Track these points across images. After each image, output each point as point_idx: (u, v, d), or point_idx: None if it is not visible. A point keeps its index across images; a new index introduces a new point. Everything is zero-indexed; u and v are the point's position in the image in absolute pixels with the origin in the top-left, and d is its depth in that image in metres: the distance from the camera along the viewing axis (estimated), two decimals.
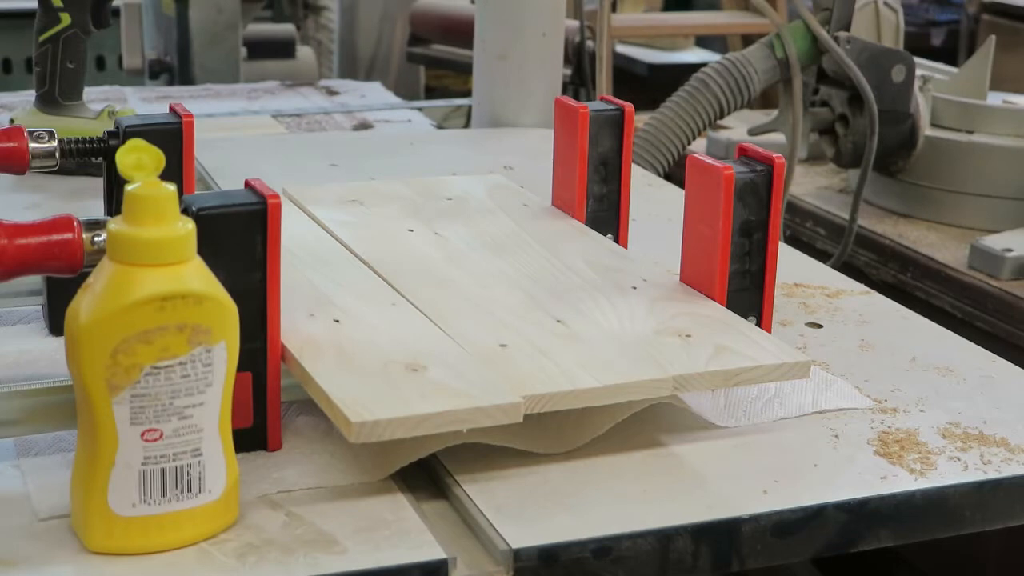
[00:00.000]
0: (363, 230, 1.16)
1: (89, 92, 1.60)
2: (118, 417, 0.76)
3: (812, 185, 2.09)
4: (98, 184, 1.13)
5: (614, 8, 3.22)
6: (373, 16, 3.55)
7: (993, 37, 2.04)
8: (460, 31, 2.74)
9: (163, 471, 0.78)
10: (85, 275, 0.79)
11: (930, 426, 0.99)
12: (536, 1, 1.83)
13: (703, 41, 3.76)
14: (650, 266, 1.11)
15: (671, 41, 3.65)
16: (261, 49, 2.96)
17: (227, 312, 0.78)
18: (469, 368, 0.89)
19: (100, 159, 1.11)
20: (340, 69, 3.53)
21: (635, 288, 1.06)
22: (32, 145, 1.08)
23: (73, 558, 0.78)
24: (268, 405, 0.89)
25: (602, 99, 1.21)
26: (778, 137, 1.85)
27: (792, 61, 1.78)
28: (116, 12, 2.84)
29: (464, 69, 2.71)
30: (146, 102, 2.17)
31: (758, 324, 1.05)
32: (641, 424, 0.95)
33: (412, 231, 1.17)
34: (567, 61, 2.06)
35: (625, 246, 1.21)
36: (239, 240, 0.86)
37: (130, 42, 2.89)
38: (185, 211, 0.83)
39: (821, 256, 1.67)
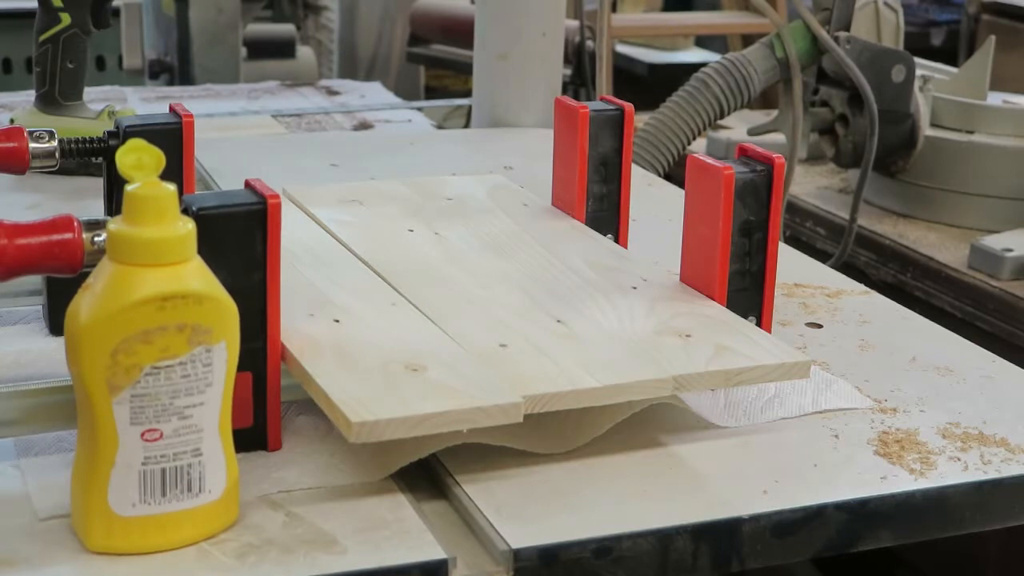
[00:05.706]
0: (363, 230, 1.16)
1: (89, 92, 1.60)
2: (118, 417, 0.76)
3: (812, 185, 2.09)
4: (98, 184, 1.13)
5: (614, 8, 3.22)
6: (373, 16, 3.55)
7: (993, 37, 2.04)
8: (460, 31, 2.74)
9: (163, 471, 0.78)
10: (85, 275, 0.79)
11: (930, 426, 0.99)
12: (536, 1, 1.83)
13: (703, 41, 3.76)
14: (650, 266, 1.11)
15: (671, 41, 3.65)
16: (261, 49, 2.96)
17: (227, 312, 0.78)
18: (469, 368, 0.89)
19: (100, 159, 1.11)
20: (340, 69, 3.53)
21: (635, 288, 1.06)
22: (32, 145, 1.08)
23: (73, 558, 0.78)
24: (268, 405, 0.89)
25: (602, 99, 1.21)
26: (778, 137, 1.85)
27: (792, 61, 1.78)
28: (116, 12, 2.84)
29: (464, 69, 2.71)
30: (146, 102, 2.17)
31: (758, 324, 1.05)
32: (641, 424, 0.95)
33: (412, 231, 1.17)
34: (567, 61, 2.06)
35: (625, 246, 1.21)
36: (239, 240, 0.86)
37: (130, 42, 2.89)
38: (185, 211, 0.83)
39: (821, 256, 1.66)
